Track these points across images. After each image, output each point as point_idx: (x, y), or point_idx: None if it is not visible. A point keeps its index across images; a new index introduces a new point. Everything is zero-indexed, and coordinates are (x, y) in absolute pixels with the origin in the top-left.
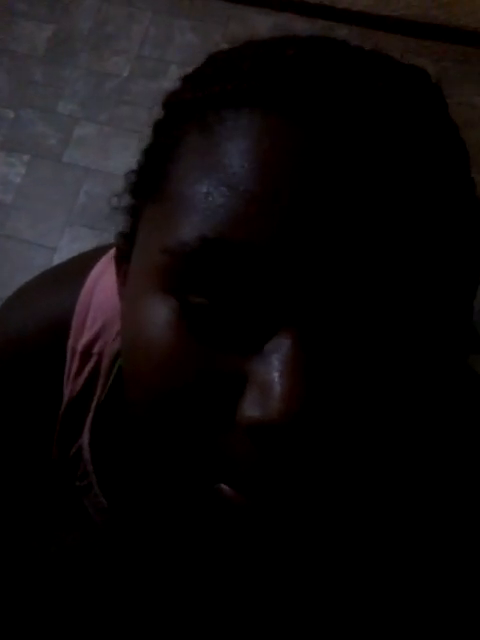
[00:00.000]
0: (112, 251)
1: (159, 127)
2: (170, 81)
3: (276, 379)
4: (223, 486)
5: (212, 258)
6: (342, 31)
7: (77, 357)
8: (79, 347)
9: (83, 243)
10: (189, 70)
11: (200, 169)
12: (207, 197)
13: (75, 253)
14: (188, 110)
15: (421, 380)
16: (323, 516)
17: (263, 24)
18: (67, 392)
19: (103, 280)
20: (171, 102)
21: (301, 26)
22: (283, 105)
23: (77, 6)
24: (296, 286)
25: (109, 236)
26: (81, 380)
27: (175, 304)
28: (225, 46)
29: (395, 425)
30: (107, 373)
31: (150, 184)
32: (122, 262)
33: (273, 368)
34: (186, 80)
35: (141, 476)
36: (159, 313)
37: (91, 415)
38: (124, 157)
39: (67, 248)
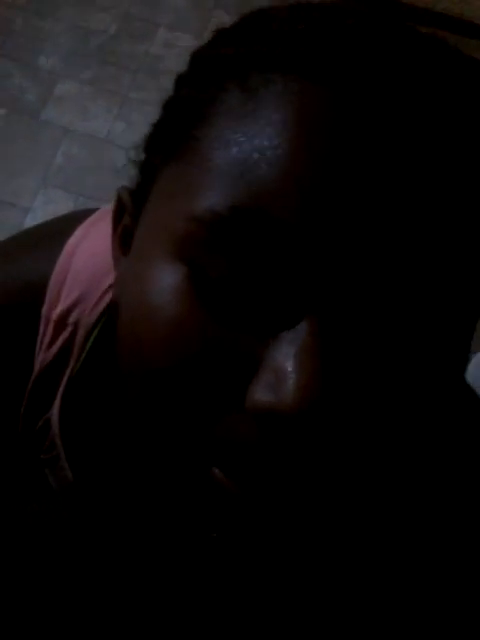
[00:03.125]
0: (94, 216)
1: (187, 80)
2: (157, 45)
3: (294, 367)
4: (216, 470)
5: (241, 230)
6: None
7: (51, 326)
8: (54, 316)
9: (58, 205)
10: (180, 34)
11: (238, 133)
12: (243, 165)
13: (49, 216)
14: (229, 66)
15: (429, 383)
16: (315, 511)
17: None
18: (38, 362)
19: (83, 246)
20: (205, 55)
21: None
22: (337, 80)
23: None
24: (324, 273)
25: (85, 200)
26: (54, 350)
27: (191, 273)
28: (218, 12)
29: (401, 424)
30: (82, 345)
31: (174, 142)
32: (120, 221)
33: (291, 355)
34: (224, 34)
35: (112, 451)
36: (171, 281)
37: (62, 387)
38: (105, 119)
39: (41, 210)
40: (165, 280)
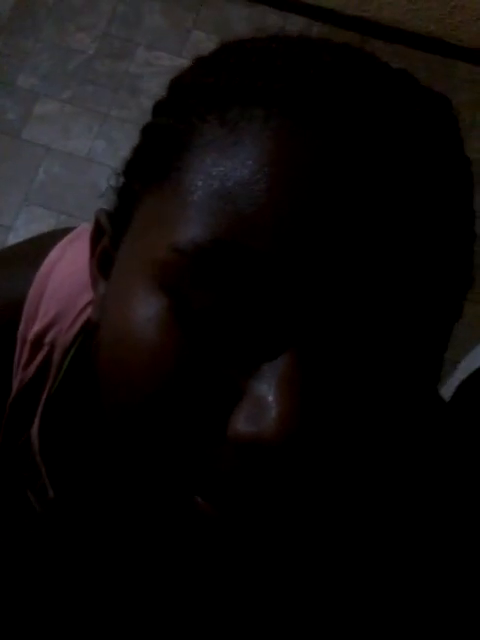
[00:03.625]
0: (71, 235)
1: (166, 108)
2: (136, 64)
3: (274, 398)
4: (198, 499)
5: (223, 262)
6: (313, 29)
7: (28, 346)
8: (30, 336)
9: (40, 224)
10: (159, 54)
11: (220, 166)
12: (225, 198)
13: (31, 234)
14: (208, 97)
15: (404, 403)
16: (297, 534)
17: (236, 14)
18: (16, 382)
19: (60, 266)
20: (185, 84)
21: (273, 20)
22: (316, 116)
23: None
24: (303, 306)
25: (67, 218)
26: (31, 370)
27: (173, 304)
28: (196, 33)
29: (378, 444)
30: (59, 364)
31: (155, 169)
32: (98, 244)
33: (272, 386)
34: (203, 63)
35: (93, 468)
36: (153, 311)
37: (41, 407)
38: (86, 138)
39: (23, 228)
40: (147, 310)
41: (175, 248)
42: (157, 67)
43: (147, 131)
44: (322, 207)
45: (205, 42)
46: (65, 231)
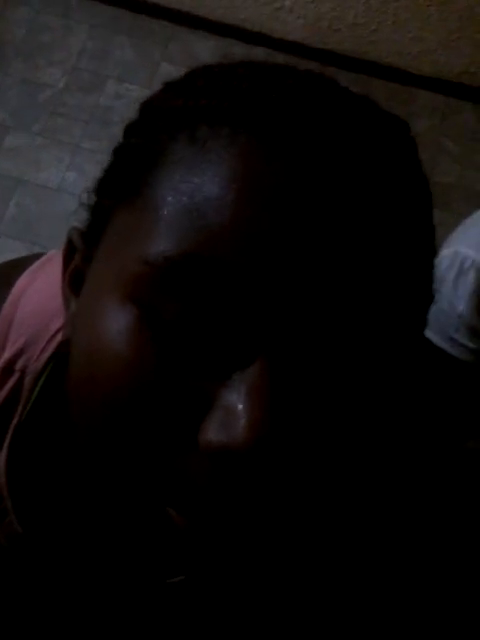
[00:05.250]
0: (40, 261)
1: (137, 129)
2: (106, 96)
3: (243, 405)
4: (171, 511)
5: (193, 275)
6: (277, 60)
7: None
8: (0, 363)
9: (12, 255)
10: (128, 85)
11: (188, 182)
12: (194, 212)
13: None
14: (178, 117)
15: (377, 410)
16: (271, 537)
17: (203, 47)
18: None
19: (29, 292)
20: (155, 106)
21: (239, 52)
22: (280, 136)
23: (12, 12)
24: (271, 315)
25: (40, 248)
26: (0, 398)
27: (143, 315)
28: (164, 65)
29: (351, 449)
30: (29, 392)
31: (126, 186)
32: (70, 262)
33: (241, 393)
34: (172, 87)
35: (63, 500)
36: (124, 322)
37: (10, 436)
38: (57, 170)
39: None
40: (118, 322)
41: (145, 261)
42: (127, 98)
43: (118, 151)
44: (285, 221)
45: (174, 74)
46: (33, 258)
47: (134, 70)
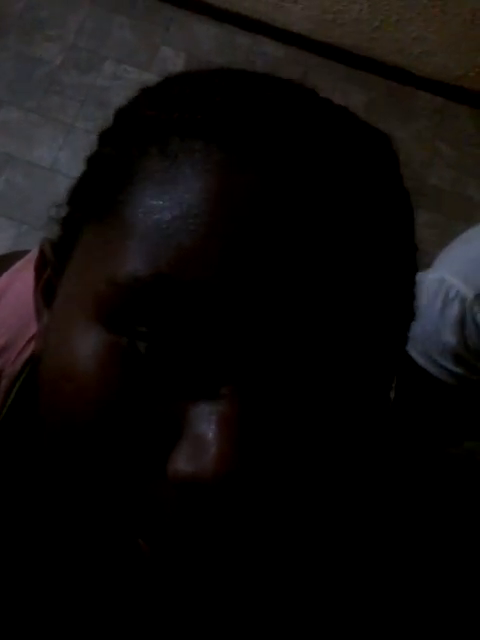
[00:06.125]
0: (20, 263)
1: (111, 138)
2: (104, 77)
3: (213, 435)
4: (141, 541)
5: (163, 296)
6: (279, 51)
7: None
8: None
9: (1, 233)
10: (127, 67)
11: (160, 200)
12: (165, 231)
13: None
14: (149, 130)
15: (351, 437)
16: (245, 566)
17: (204, 33)
18: None
19: (9, 294)
20: (128, 115)
21: (240, 40)
22: (252, 149)
23: None
24: (244, 337)
25: (29, 228)
26: None
27: (114, 338)
28: (165, 48)
29: (323, 480)
30: (5, 395)
31: (99, 201)
32: (43, 272)
33: (211, 422)
34: (147, 95)
35: (38, 505)
36: (94, 345)
37: None
38: (50, 148)
39: None
40: (87, 344)
41: (114, 282)
42: (125, 80)
43: (92, 161)
44: (259, 240)
45: (173, 58)
46: (10, 258)
47: (133, 52)
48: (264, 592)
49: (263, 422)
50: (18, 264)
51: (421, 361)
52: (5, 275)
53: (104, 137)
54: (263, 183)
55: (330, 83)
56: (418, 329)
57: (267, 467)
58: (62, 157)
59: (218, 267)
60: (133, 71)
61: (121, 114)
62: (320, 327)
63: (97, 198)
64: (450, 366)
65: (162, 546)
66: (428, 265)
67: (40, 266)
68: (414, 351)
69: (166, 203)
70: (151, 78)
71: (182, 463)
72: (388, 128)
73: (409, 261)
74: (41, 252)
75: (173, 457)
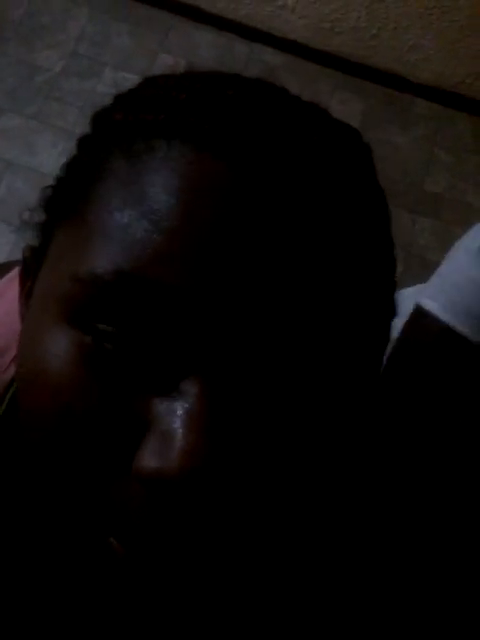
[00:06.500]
0: (12, 273)
1: (84, 143)
2: (103, 84)
3: (179, 430)
4: (112, 540)
5: (125, 293)
6: (277, 59)
7: None
8: None
9: (0, 239)
10: (126, 75)
11: (122, 198)
12: (127, 229)
13: None
14: (116, 132)
15: (325, 429)
16: (210, 568)
17: (202, 40)
18: None
19: (1, 303)
20: (99, 119)
21: (239, 47)
22: (215, 145)
23: None
24: (208, 332)
25: (29, 235)
26: None
27: (79, 337)
28: (163, 55)
29: (297, 473)
30: None
31: (67, 203)
32: (27, 280)
33: (177, 418)
34: (119, 99)
35: (25, 514)
36: (60, 344)
37: None
38: (50, 154)
39: None
40: (53, 343)
41: (77, 278)
42: (124, 87)
43: (67, 166)
44: (224, 235)
45: (172, 65)
46: (5, 268)
47: (132, 59)
48: (250, 591)
49: (230, 416)
50: (10, 274)
51: (449, 318)
52: (1, 283)
53: (80, 142)
54: (226, 176)
55: (328, 91)
56: (450, 284)
57: (236, 461)
58: (62, 163)
59: (181, 263)
60: (132, 78)
61: (94, 119)
62: (286, 320)
63: (66, 200)
64: None
65: (134, 545)
66: (429, 268)
67: (24, 273)
68: (444, 309)
69: (128, 201)
70: None
71: (147, 459)
72: (386, 135)
73: (383, 254)
74: (25, 259)
75: (139, 453)
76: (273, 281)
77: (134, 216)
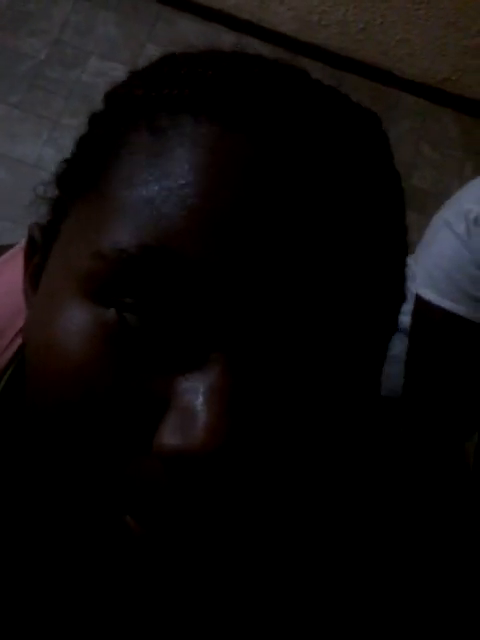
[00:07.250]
0: (8, 254)
1: (100, 119)
2: (89, 73)
3: (201, 407)
4: (128, 518)
5: (149, 268)
6: (264, 50)
7: None
8: None
9: None
10: (111, 64)
11: (147, 173)
12: (152, 203)
13: None
14: (139, 107)
15: (340, 408)
16: (228, 546)
17: (190, 30)
18: None
19: None
20: (118, 95)
21: (227, 38)
22: (244, 122)
23: None
24: (232, 308)
25: (12, 225)
26: None
27: (101, 313)
28: (150, 46)
29: (313, 451)
30: None
31: (85, 179)
32: (33, 257)
33: (199, 395)
34: (137, 76)
35: (27, 497)
36: (80, 320)
37: None
38: (34, 144)
39: None
40: (72, 319)
41: (99, 254)
42: (111, 77)
43: (80, 142)
44: (247, 212)
45: (158, 55)
46: (1, 249)
47: (118, 48)
48: (260, 580)
49: (253, 393)
50: (6, 255)
51: (448, 304)
52: None
53: (93, 119)
54: (253, 153)
55: None
56: (440, 269)
57: (256, 438)
58: (46, 153)
59: (205, 237)
60: (118, 68)
61: (110, 96)
62: (309, 295)
63: (85, 176)
64: None
65: (151, 523)
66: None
67: (29, 251)
68: (441, 295)
69: (153, 176)
70: None
71: (168, 436)
72: None
73: (399, 238)
74: (30, 238)
75: (160, 431)
76: (294, 257)
77: (159, 190)
